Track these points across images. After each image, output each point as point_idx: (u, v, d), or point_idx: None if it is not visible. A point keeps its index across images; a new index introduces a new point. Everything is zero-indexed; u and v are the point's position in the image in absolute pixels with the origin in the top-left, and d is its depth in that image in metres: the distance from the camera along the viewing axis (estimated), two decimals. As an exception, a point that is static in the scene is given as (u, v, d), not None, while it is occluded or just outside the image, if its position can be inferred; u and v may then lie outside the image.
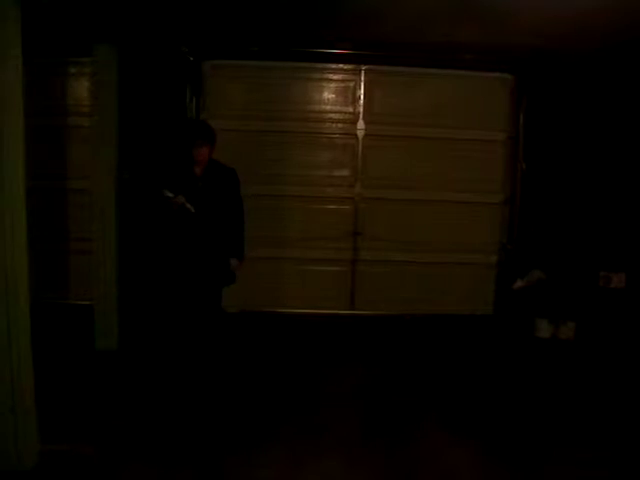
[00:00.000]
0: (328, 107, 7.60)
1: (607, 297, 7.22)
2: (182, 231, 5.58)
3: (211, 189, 5.61)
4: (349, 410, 5.41)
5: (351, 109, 7.59)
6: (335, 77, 7.60)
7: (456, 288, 7.73)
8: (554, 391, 5.92)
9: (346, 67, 7.55)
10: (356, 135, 7.58)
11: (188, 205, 5.48)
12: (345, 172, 7.64)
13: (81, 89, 7.49)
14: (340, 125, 7.60)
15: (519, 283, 7.49)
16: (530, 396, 5.77)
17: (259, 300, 7.64)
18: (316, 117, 7.57)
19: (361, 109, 7.57)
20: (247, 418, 5.17)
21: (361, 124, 7.54)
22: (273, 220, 7.61)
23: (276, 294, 7.66)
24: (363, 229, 7.66)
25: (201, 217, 5.55)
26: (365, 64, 7.50)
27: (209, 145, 5.57)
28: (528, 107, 7.57)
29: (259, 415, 5.25)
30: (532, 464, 4.60)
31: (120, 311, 6.61)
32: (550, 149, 7.56)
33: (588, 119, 7.44)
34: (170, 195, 5.45)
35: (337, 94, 7.60)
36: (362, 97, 7.57)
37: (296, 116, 7.53)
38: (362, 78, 7.56)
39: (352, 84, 7.58)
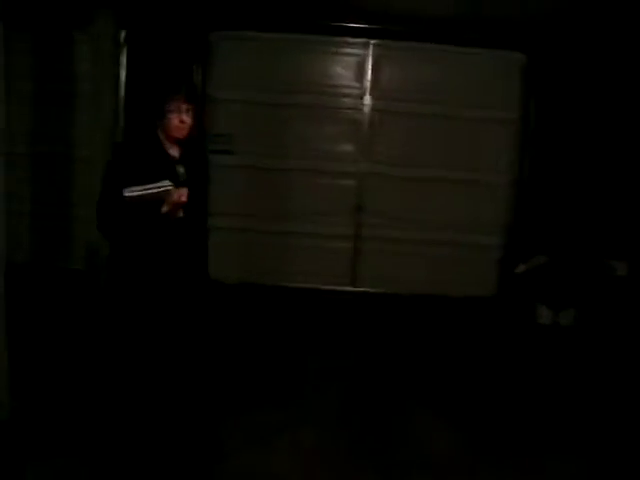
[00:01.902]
0: (335, 81, 7.50)
1: (609, 284, 7.08)
2: (157, 244, 3.64)
3: (194, 179, 3.70)
4: (332, 386, 5.37)
5: (358, 84, 7.49)
6: (343, 51, 7.49)
7: (458, 269, 7.60)
8: (549, 379, 5.82)
9: (355, 41, 7.42)
10: (362, 110, 7.49)
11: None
12: (350, 147, 7.55)
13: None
14: (347, 99, 7.51)
15: (522, 267, 7.37)
16: (523, 384, 5.68)
17: (259, 272, 7.56)
18: (323, 90, 7.47)
19: (368, 84, 7.47)
20: (223, 389, 5.09)
21: (368, 99, 7.46)
22: (276, 193, 7.56)
23: (276, 267, 7.58)
24: (366, 205, 7.57)
25: (182, 220, 3.64)
26: (374, 38, 7.37)
27: (194, 106, 3.66)
28: (540, 87, 7.41)
29: (235, 386, 5.21)
30: (516, 455, 4.45)
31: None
32: (561, 132, 7.40)
33: (603, 103, 7.30)
34: (138, 192, 3.40)
35: (345, 68, 7.51)
36: (370, 72, 7.46)
37: (303, 89, 7.45)
38: (370, 52, 7.44)
39: (360, 58, 7.47)
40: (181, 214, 3.55)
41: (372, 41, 7.40)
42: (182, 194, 3.48)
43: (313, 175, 7.53)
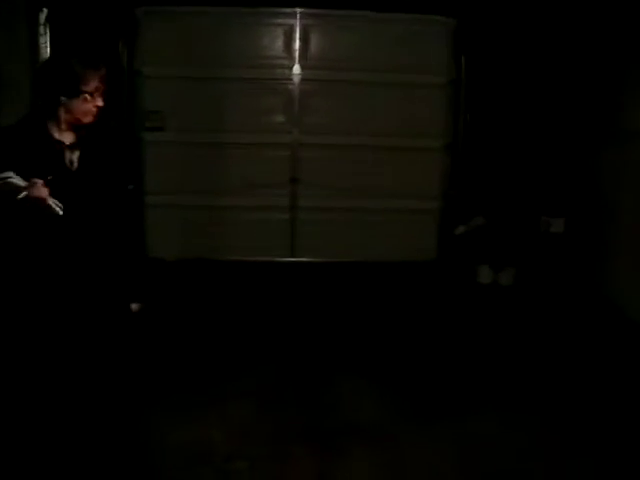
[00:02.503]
0: (265, 52, 7.44)
1: (546, 242, 7.15)
2: (41, 250, 3.09)
3: (93, 172, 3.13)
4: (268, 359, 5.27)
5: (287, 54, 7.44)
6: (272, 21, 7.43)
7: (398, 235, 7.57)
8: (486, 339, 5.81)
9: (282, 11, 7.38)
10: (292, 80, 7.44)
11: (51, 201, 2.90)
12: (282, 118, 7.52)
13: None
14: (277, 70, 7.46)
15: (461, 229, 7.48)
16: (460, 344, 5.66)
17: (199, 248, 7.52)
18: (253, 63, 7.40)
19: (297, 54, 7.42)
20: (158, 368, 4.88)
21: (297, 69, 7.42)
22: (210, 168, 7.50)
23: (216, 242, 7.53)
24: (301, 176, 7.54)
25: (75, 225, 3.06)
26: (300, 7, 7.31)
27: (104, 77, 3.07)
28: (471, 50, 7.47)
29: (168, 362, 5.08)
30: (441, 418, 4.38)
31: None
32: (493, 94, 7.48)
33: (534, 63, 7.35)
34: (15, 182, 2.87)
35: (273, 39, 7.45)
36: (298, 41, 7.41)
37: (232, 62, 7.36)
38: (297, 22, 7.39)
39: (288, 28, 7.41)
40: (58, 210, 2.91)
41: (299, 10, 7.34)
42: (38, 189, 2.85)
43: (247, 148, 7.47)
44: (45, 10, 6.79)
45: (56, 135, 3.05)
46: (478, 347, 5.56)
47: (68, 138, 3.08)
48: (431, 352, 5.48)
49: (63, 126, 3.05)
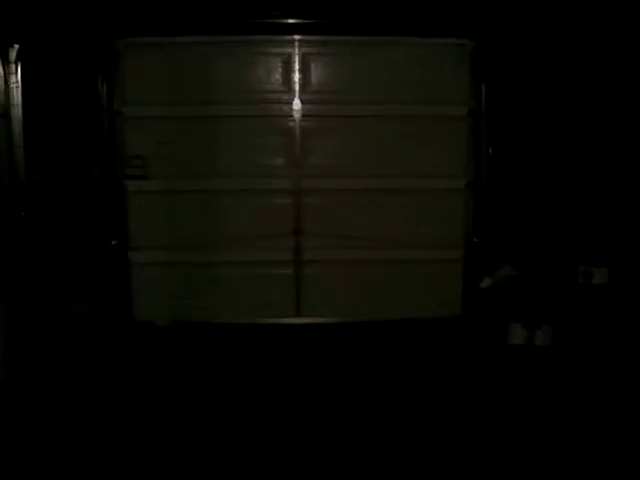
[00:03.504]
0: (260, 86, 6.66)
1: (587, 295, 6.36)
2: None
3: None
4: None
5: (285, 87, 6.65)
6: (267, 50, 6.67)
7: (417, 289, 6.78)
8: (521, 414, 4.98)
9: (279, 38, 6.58)
10: (292, 117, 6.63)
11: None
12: (282, 160, 6.74)
13: None
14: (275, 106, 6.66)
15: (488, 281, 6.67)
16: (491, 423, 4.86)
17: (190, 311, 6.76)
18: (247, 98, 6.61)
19: (297, 86, 6.62)
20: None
21: (297, 104, 6.61)
22: (203, 219, 6.73)
23: (210, 303, 6.77)
24: (305, 225, 6.73)
25: None
26: (300, 34, 6.54)
27: None
28: (492, 77, 6.63)
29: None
30: None
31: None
32: (519, 125, 6.64)
33: (565, 91, 6.55)
34: None
35: (269, 70, 6.68)
36: (297, 73, 6.62)
37: (224, 98, 6.58)
38: (296, 50, 6.60)
39: (286, 58, 6.64)
40: None
41: (298, 37, 6.57)
42: None
43: (243, 196, 6.69)
44: (16, 46, 6.22)
45: None
46: (512, 424, 4.79)
47: None
48: (458, 431, 4.74)
49: None
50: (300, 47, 6.59)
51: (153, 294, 6.66)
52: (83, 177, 6.49)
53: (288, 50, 6.59)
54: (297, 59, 6.60)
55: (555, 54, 6.49)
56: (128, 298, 6.67)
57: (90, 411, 4.99)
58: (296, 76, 6.61)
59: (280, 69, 6.64)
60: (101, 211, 6.58)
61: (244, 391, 5.43)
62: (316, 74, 6.66)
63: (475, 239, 6.81)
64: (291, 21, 6.43)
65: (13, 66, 6.28)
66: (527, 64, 6.54)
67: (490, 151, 6.70)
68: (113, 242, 6.58)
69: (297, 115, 6.62)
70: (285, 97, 6.62)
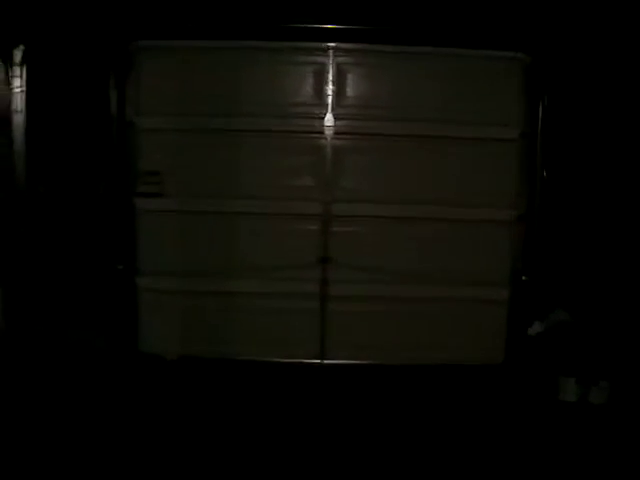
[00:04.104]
0: (288, 98, 6.01)
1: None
2: None
3: None
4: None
5: (317, 100, 5.98)
6: (297, 59, 6.02)
7: (456, 331, 6.10)
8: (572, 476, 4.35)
9: (311, 45, 5.93)
10: (324, 133, 5.97)
11: None
12: (310, 182, 6.05)
13: None
14: (304, 121, 5.99)
15: (537, 327, 5.98)
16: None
17: (202, 345, 6.13)
18: (273, 112, 5.97)
19: (330, 100, 5.96)
20: None
21: (330, 119, 5.95)
22: (220, 244, 6.11)
23: (226, 336, 6.12)
24: (334, 255, 6.05)
25: None
26: (334, 41, 5.88)
27: None
28: (549, 96, 5.93)
29: None
30: None
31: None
32: (578, 150, 5.93)
33: (632, 112, 5.77)
34: None
35: (299, 81, 6.03)
36: (330, 84, 5.95)
37: (247, 111, 5.95)
38: (330, 60, 5.95)
39: (319, 68, 5.98)
40: None
41: (332, 44, 5.91)
42: None
43: (266, 220, 6.06)
44: (21, 47, 5.73)
45: None
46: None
47: None
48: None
49: None
50: (335, 56, 5.94)
51: (162, 324, 6.06)
52: (89, 193, 5.95)
53: (321, 59, 5.96)
54: (331, 69, 5.95)
55: (621, 72, 5.75)
56: (134, 328, 6.09)
57: (84, 453, 4.45)
58: (329, 88, 5.96)
59: (312, 80, 6.00)
60: (107, 231, 6.01)
61: (257, 437, 4.84)
62: (351, 87, 6.00)
63: (524, 277, 6.10)
64: (326, 26, 5.82)
65: (18, 69, 5.78)
66: (589, 82, 5.87)
67: (545, 177, 5.98)
68: (119, 266, 5.85)
69: (329, 132, 5.97)
70: (316, 111, 5.97)
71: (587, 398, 5.53)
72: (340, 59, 5.95)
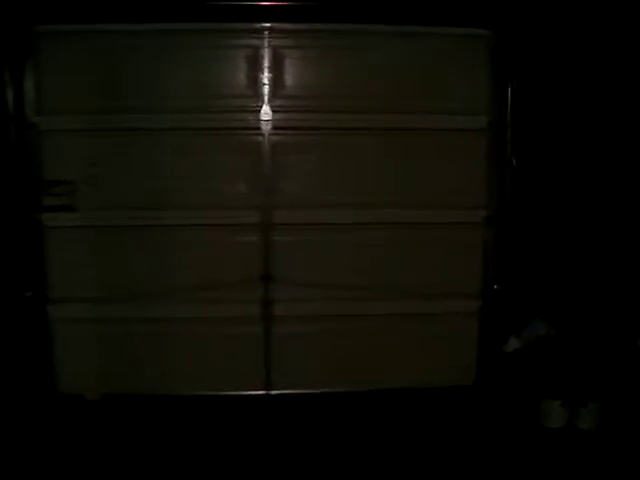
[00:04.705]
0: (217, 89, 5.19)
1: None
2: None
3: None
4: None
5: (251, 91, 5.18)
6: (226, 42, 5.19)
7: (419, 350, 5.40)
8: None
9: (242, 27, 5.12)
10: (260, 129, 5.17)
11: None
12: (247, 186, 5.26)
13: None
14: (236, 115, 5.17)
15: (514, 343, 5.31)
16: None
17: (129, 380, 5.33)
18: (201, 106, 5.16)
19: (266, 90, 5.16)
20: None
21: (267, 112, 5.17)
22: (144, 263, 5.27)
23: (154, 370, 5.33)
24: (277, 270, 5.27)
25: None
26: (268, 21, 5.09)
27: None
28: (519, 79, 5.23)
29: None
30: None
31: None
32: (553, 142, 5.28)
33: (609, 96, 5.18)
34: None
35: (229, 69, 5.20)
36: (266, 72, 5.15)
37: (171, 106, 5.14)
38: (265, 43, 5.14)
39: (252, 52, 5.17)
40: None
41: (267, 25, 5.11)
42: None
43: (196, 232, 5.24)
44: None
45: None
46: None
47: None
48: None
49: None
50: (270, 38, 5.14)
51: (80, 359, 5.26)
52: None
53: (255, 42, 5.15)
54: (266, 54, 5.15)
55: (598, 50, 5.14)
56: (49, 364, 5.26)
57: None
58: (265, 76, 5.15)
59: (244, 67, 5.19)
60: (10, 252, 5.12)
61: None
62: (291, 74, 5.20)
63: (496, 286, 5.42)
64: (259, 3, 5.04)
65: None
66: (561, 62, 5.23)
67: (516, 170, 5.32)
68: (27, 293, 4.99)
69: (266, 127, 5.18)
70: (251, 104, 5.17)
71: (575, 423, 4.87)
72: (277, 41, 5.15)
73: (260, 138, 5.19)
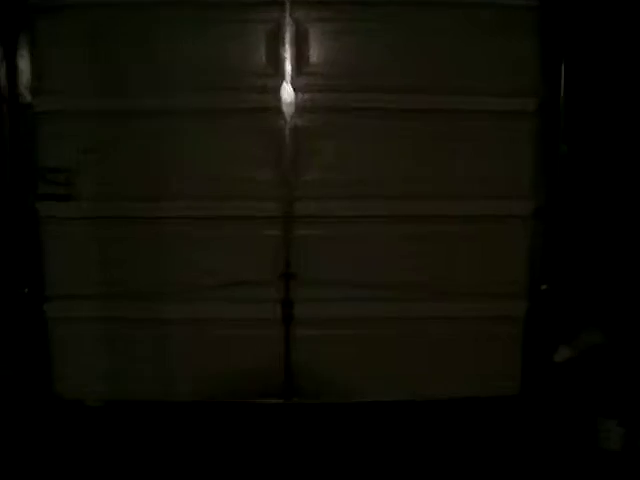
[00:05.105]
0: (233, 67, 4.67)
1: None
2: None
3: None
4: None
5: (271, 69, 4.66)
6: (244, 16, 4.64)
7: (458, 357, 4.90)
8: None
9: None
10: (281, 110, 4.66)
11: None
12: (266, 175, 4.75)
13: None
14: (255, 96, 4.66)
15: (565, 352, 4.77)
16: None
17: (137, 385, 4.89)
18: (215, 85, 4.65)
19: (288, 67, 4.64)
20: None
21: (289, 92, 4.64)
22: (150, 258, 4.80)
23: (162, 374, 4.90)
24: (299, 268, 4.78)
25: None
26: (294, -8, 4.48)
27: None
28: (571, 54, 4.64)
29: None
30: None
31: None
32: (613, 126, 4.68)
33: None
34: None
35: (247, 45, 4.67)
36: (289, 48, 4.62)
37: (182, 85, 4.64)
38: (287, 16, 4.60)
39: (272, 27, 4.64)
40: None
41: (289, -3, 4.49)
42: None
43: (209, 226, 4.77)
44: None
45: None
46: None
47: None
48: None
49: None
50: (293, 10, 4.61)
51: (80, 361, 4.85)
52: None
53: (275, 14, 4.62)
54: (288, 28, 4.63)
55: None
56: (47, 367, 4.86)
57: None
58: (287, 52, 4.63)
59: (264, 43, 4.68)
60: (6, 244, 4.75)
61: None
62: (316, 49, 4.68)
63: (544, 286, 4.87)
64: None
65: None
66: (622, 36, 4.64)
67: (567, 161, 4.77)
68: (24, 289, 4.64)
69: (288, 109, 4.66)
70: (270, 83, 4.65)
71: (636, 444, 4.30)
72: (300, 14, 4.63)
73: (281, 121, 4.70)
